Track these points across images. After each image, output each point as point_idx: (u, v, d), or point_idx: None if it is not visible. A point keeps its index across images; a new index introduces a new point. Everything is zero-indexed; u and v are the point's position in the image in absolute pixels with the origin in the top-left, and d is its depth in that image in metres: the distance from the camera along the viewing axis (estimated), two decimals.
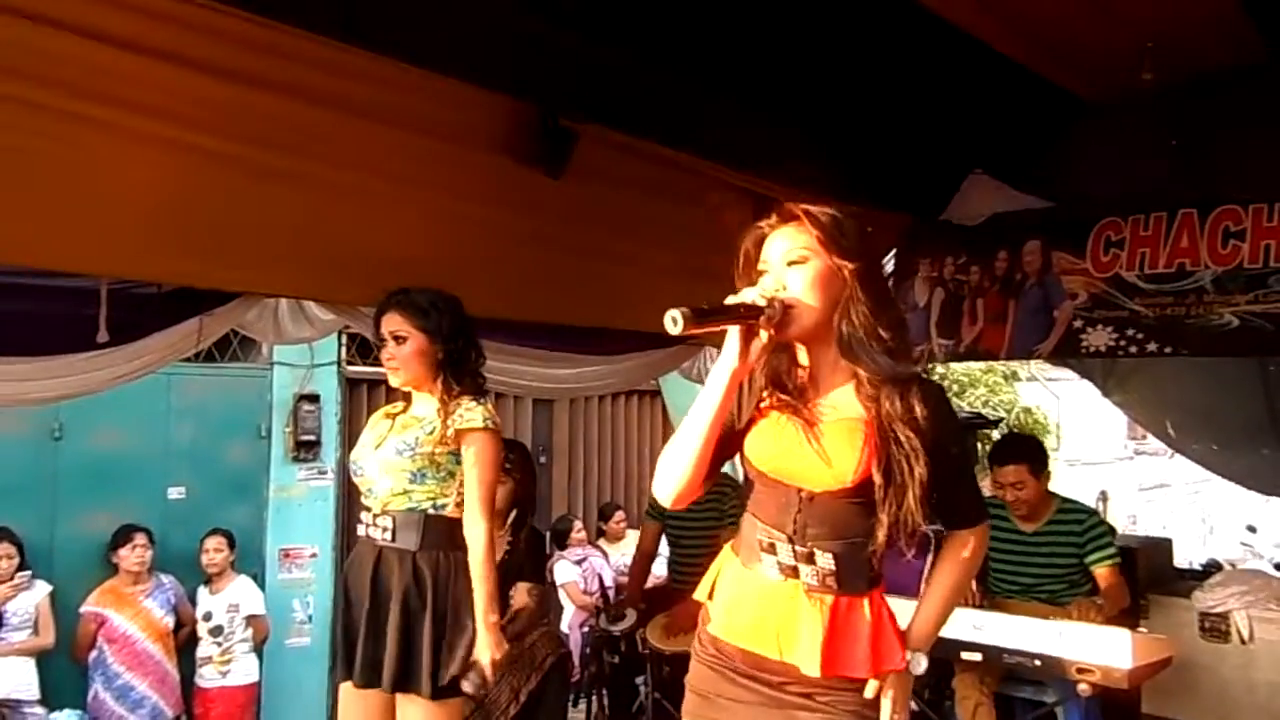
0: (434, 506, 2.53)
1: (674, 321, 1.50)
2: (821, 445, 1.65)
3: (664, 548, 4.48)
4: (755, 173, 3.56)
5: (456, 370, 2.61)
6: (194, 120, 2.42)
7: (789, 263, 1.69)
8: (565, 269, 3.41)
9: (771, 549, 1.69)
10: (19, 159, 2.18)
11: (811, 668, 1.63)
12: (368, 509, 2.59)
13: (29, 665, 4.25)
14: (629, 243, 3.56)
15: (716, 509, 4.16)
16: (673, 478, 1.70)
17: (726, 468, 1.86)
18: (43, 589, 4.36)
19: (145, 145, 2.38)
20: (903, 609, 1.78)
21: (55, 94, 2.17)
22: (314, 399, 5.48)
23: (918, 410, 1.63)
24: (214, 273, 2.71)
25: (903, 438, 1.62)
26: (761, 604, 1.70)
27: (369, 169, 2.82)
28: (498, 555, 3.31)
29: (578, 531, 6.06)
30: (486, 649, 2.44)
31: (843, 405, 1.69)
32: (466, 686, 2.44)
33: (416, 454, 2.52)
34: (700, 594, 1.83)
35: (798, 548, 1.67)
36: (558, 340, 4.00)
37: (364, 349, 5.61)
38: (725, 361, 1.63)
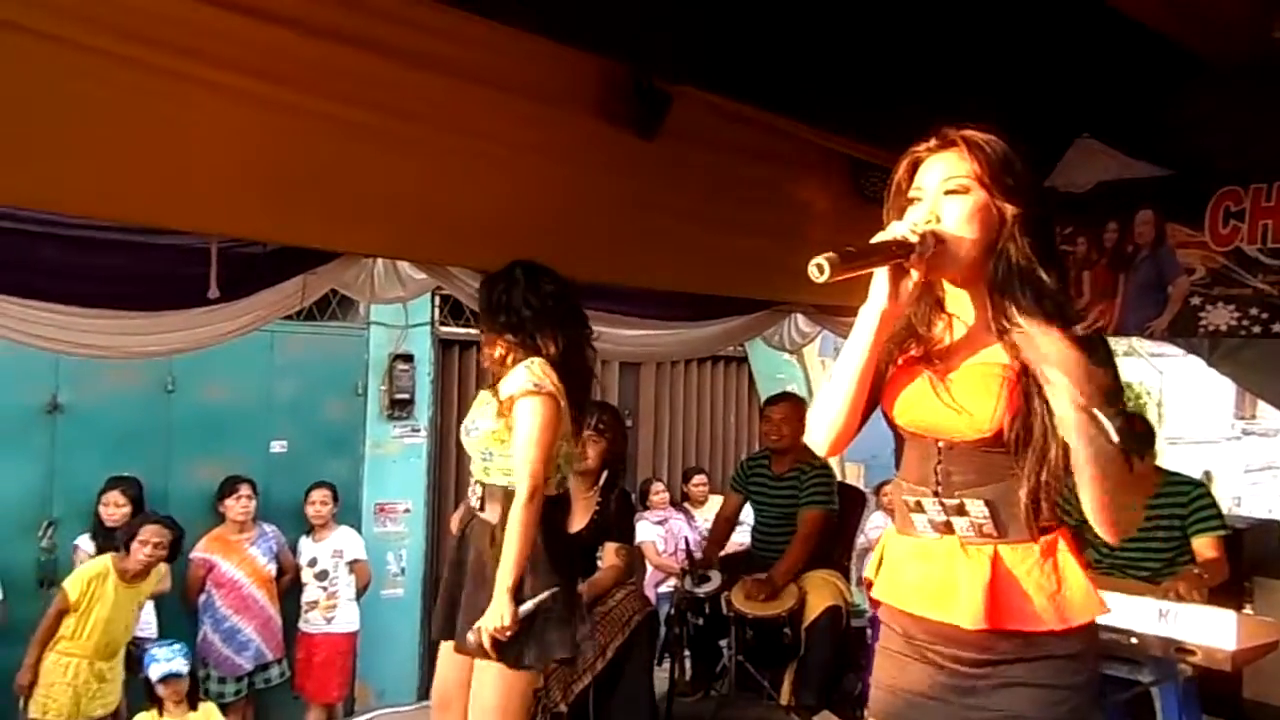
0: (511, 484, 2.50)
1: (819, 270, 1.37)
2: (954, 394, 1.53)
3: (749, 515, 4.48)
4: (851, 137, 3.48)
5: (518, 336, 2.54)
6: (295, 81, 2.48)
7: (946, 191, 1.53)
8: (657, 232, 3.41)
9: (919, 507, 1.58)
10: (126, 118, 2.26)
11: (972, 621, 1.49)
12: (473, 474, 2.64)
13: (149, 606, 4.47)
14: (722, 206, 3.53)
15: (795, 485, 4.15)
16: (824, 424, 1.61)
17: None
18: None
19: (249, 106, 2.44)
20: None
21: (161, 53, 2.24)
22: (408, 359, 5.61)
23: None
24: (315, 232, 2.78)
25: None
26: (921, 564, 1.59)
27: (464, 130, 2.85)
28: (586, 516, 3.37)
29: (657, 493, 6.12)
30: (491, 617, 2.35)
31: (983, 352, 1.56)
32: (466, 641, 2.40)
33: (483, 434, 2.53)
34: (868, 571, 1.74)
35: (945, 501, 1.55)
36: (642, 304, 4.00)
37: (456, 311, 5.72)
38: (874, 303, 1.49)
